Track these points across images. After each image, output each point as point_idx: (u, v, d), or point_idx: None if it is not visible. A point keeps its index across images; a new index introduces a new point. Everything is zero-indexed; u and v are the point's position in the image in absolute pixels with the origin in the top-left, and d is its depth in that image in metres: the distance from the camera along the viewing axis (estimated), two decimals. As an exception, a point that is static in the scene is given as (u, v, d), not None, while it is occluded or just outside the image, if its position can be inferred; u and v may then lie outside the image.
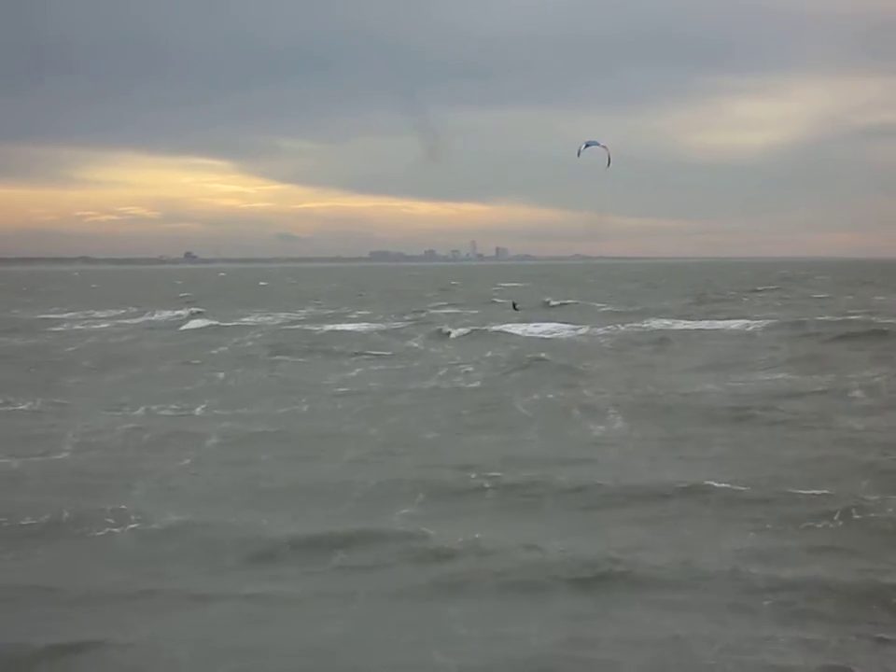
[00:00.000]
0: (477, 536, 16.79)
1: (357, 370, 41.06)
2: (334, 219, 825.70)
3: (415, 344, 51.71)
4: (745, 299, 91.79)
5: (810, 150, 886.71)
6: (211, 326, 64.98)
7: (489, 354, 45.44)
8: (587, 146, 32.68)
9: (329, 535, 17.16)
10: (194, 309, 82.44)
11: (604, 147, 32.81)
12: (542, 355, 42.69)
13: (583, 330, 57.18)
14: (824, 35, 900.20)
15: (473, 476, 21.21)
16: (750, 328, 55.47)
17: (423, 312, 78.03)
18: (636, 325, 59.34)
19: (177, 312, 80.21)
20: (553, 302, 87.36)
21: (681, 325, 59.01)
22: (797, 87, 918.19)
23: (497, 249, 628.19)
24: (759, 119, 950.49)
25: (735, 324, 57.85)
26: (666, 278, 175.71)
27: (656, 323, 60.61)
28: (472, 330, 56.82)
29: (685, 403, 30.57)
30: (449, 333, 55.90)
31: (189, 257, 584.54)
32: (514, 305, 78.44)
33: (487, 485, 20.52)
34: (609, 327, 58.75)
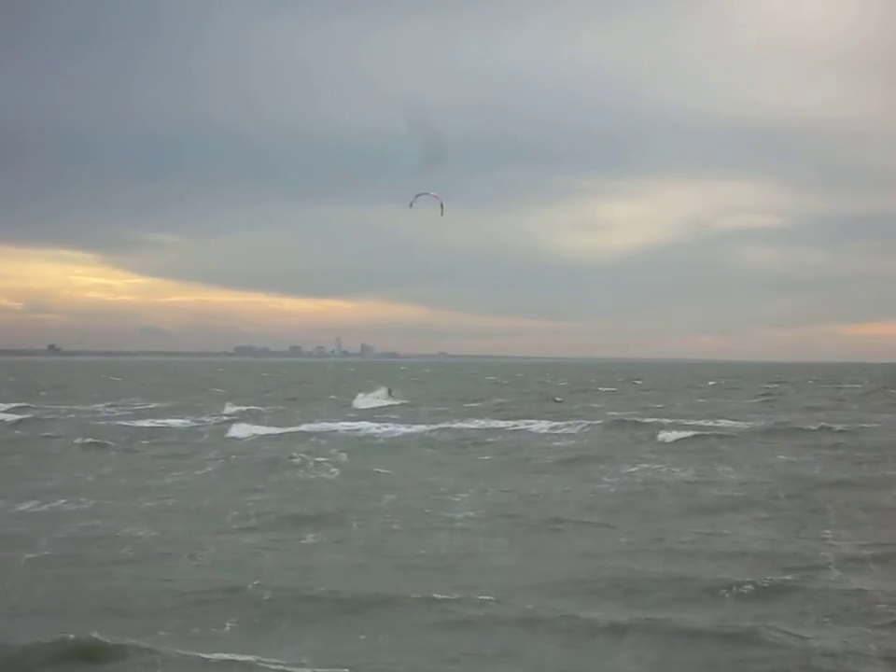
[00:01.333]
0: None
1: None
2: (200, 313, 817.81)
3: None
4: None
5: (679, 253, 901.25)
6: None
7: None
8: (418, 196, 31.05)
9: None
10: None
11: (435, 196, 31.26)
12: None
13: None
14: (695, 139, 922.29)
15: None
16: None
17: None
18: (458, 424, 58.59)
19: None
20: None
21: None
22: (667, 189, 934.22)
23: (363, 346, 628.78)
24: (629, 220, 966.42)
25: (539, 425, 57.15)
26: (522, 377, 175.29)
27: (476, 423, 59.81)
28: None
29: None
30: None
31: (53, 349, 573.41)
32: (390, 392, 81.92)
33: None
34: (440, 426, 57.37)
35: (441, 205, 31.24)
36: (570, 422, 57.70)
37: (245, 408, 72.98)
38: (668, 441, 47.17)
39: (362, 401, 79.27)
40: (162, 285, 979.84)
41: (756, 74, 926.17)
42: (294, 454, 40.58)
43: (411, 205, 30.87)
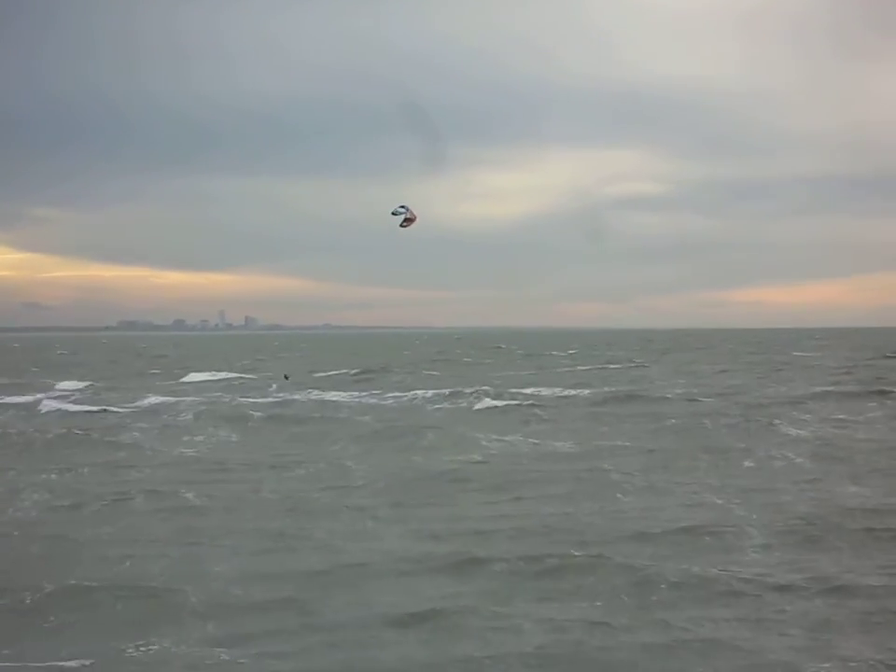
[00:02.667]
0: None
1: None
2: (83, 288, 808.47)
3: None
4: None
5: (563, 221, 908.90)
6: None
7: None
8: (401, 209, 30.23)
9: None
10: None
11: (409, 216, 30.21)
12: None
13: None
14: (580, 108, 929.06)
15: None
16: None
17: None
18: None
19: None
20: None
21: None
22: (551, 159, 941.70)
23: (247, 318, 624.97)
24: (514, 190, 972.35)
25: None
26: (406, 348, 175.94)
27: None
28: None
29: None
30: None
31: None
32: (286, 376, 79.67)
33: None
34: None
35: (407, 219, 30.54)
36: (398, 393, 58.67)
37: (82, 384, 71.34)
38: (481, 408, 48.69)
39: (195, 376, 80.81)
40: (43, 260, 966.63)
41: (641, 44, 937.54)
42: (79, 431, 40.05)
43: (393, 213, 30.37)
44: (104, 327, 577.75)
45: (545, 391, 59.56)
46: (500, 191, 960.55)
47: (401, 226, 30.13)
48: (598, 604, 16.47)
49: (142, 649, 14.74)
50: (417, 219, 30.40)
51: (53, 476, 29.74)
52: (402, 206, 30.35)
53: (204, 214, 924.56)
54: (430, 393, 57.19)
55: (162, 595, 17.02)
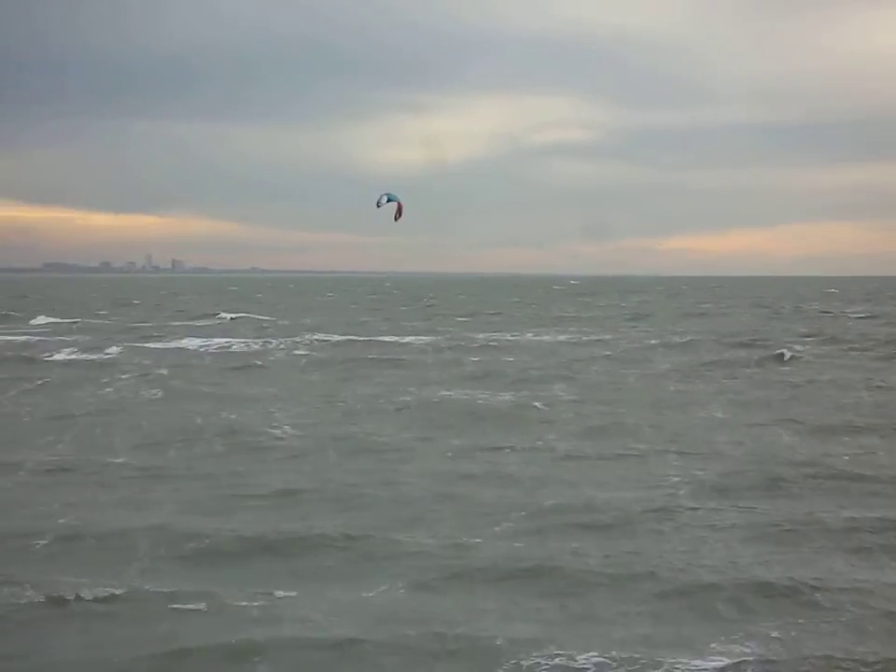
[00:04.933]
0: None
1: None
2: (5, 229, 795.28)
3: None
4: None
5: (490, 167, 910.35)
6: None
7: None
8: (388, 200, 29.28)
9: None
10: None
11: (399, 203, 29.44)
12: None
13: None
14: (509, 52, 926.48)
15: None
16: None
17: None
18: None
19: None
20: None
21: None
22: (478, 105, 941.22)
23: (174, 261, 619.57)
24: (442, 135, 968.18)
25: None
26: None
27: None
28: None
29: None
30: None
31: None
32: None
33: None
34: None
35: (399, 211, 29.84)
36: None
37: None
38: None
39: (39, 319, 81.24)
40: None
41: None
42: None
43: (378, 205, 29.51)
44: (28, 268, 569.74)
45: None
46: (430, 136, 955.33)
47: (396, 219, 29.46)
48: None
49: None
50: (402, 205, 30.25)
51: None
52: (387, 196, 29.46)
53: (131, 156, 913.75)
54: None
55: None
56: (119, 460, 24.44)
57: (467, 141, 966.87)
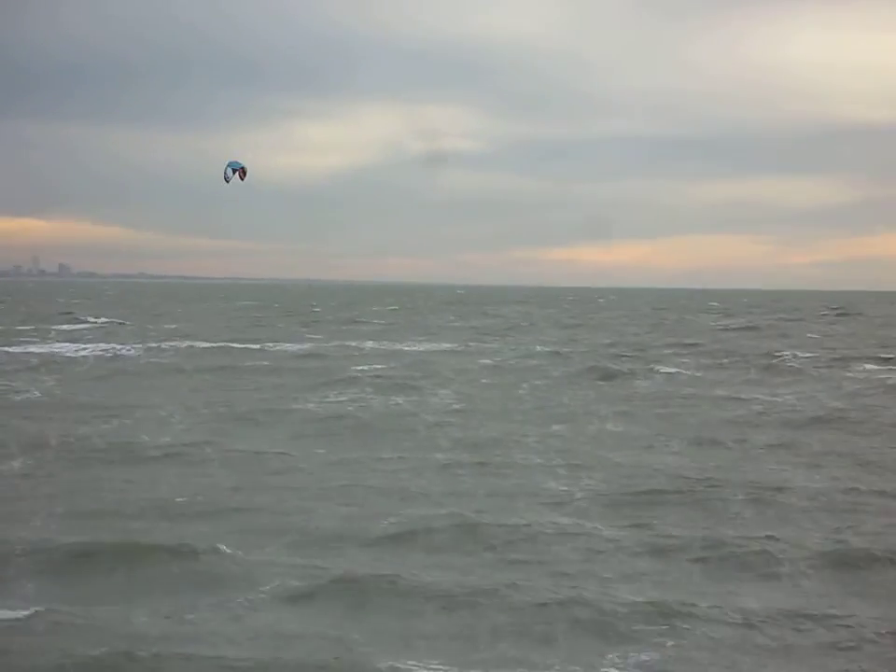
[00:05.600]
0: None
1: None
2: None
3: None
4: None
5: (377, 175, 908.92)
6: None
7: None
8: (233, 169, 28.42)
9: None
10: None
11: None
12: None
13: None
14: (397, 60, 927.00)
15: None
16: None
17: None
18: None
19: None
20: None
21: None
22: (366, 112, 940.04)
23: (60, 266, 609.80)
24: (325, 143, 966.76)
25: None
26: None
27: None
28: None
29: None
30: None
31: None
32: None
33: None
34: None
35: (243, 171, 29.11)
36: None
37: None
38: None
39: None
40: None
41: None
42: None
43: (227, 181, 28.78)
44: None
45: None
46: (317, 144, 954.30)
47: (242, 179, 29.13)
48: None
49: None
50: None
51: None
52: (230, 167, 28.39)
53: (15, 159, 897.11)
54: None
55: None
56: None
57: (355, 148, 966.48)
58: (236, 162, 28.76)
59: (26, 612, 14.26)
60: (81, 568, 16.46)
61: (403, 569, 16.34)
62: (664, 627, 14.18)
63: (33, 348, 57.81)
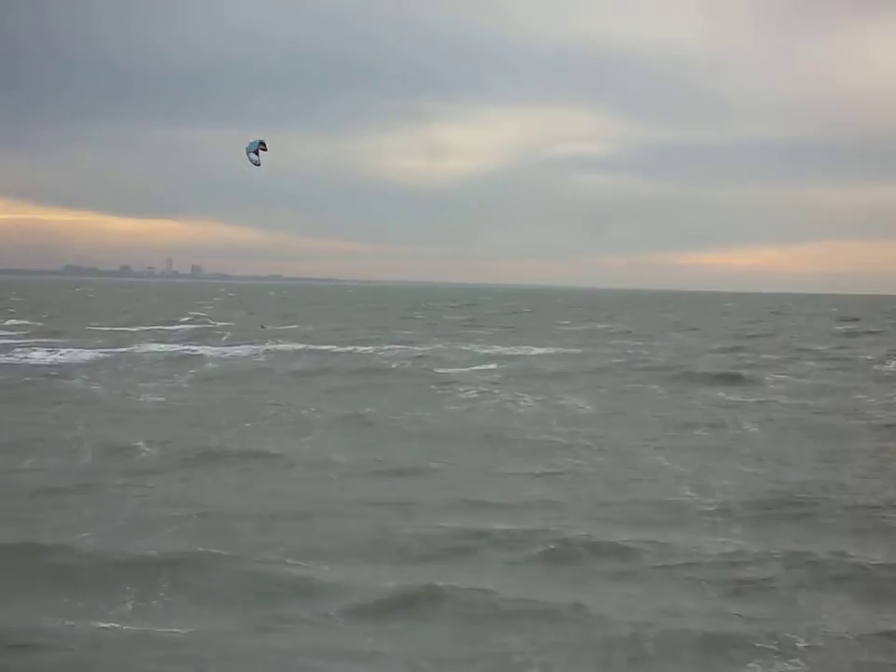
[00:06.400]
0: None
1: None
2: (28, 231, 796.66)
3: None
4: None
5: (510, 179, 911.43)
6: None
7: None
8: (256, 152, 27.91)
9: None
10: None
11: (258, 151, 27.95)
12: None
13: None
14: (532, 65, 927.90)
15: None
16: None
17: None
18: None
19: None
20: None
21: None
22: (499, 116, 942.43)
23: (193, 267, 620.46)
24: (460, 146, 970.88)
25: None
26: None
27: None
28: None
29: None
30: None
31: None
32: (263, 326, 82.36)
33: None
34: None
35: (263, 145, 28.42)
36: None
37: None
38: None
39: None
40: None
41: (601, 3, 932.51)
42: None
43: (258, 164, 28.29)
44: (48, 271, 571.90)
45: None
46: (449, 147, 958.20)
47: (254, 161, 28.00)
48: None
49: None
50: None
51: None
52: (256, 150, 28.19)
53: (153, 160, 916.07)
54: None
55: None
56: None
57: (486, 152, 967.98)
58: (253, 143, 28.17)
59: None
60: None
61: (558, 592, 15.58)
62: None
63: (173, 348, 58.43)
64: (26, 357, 51.96)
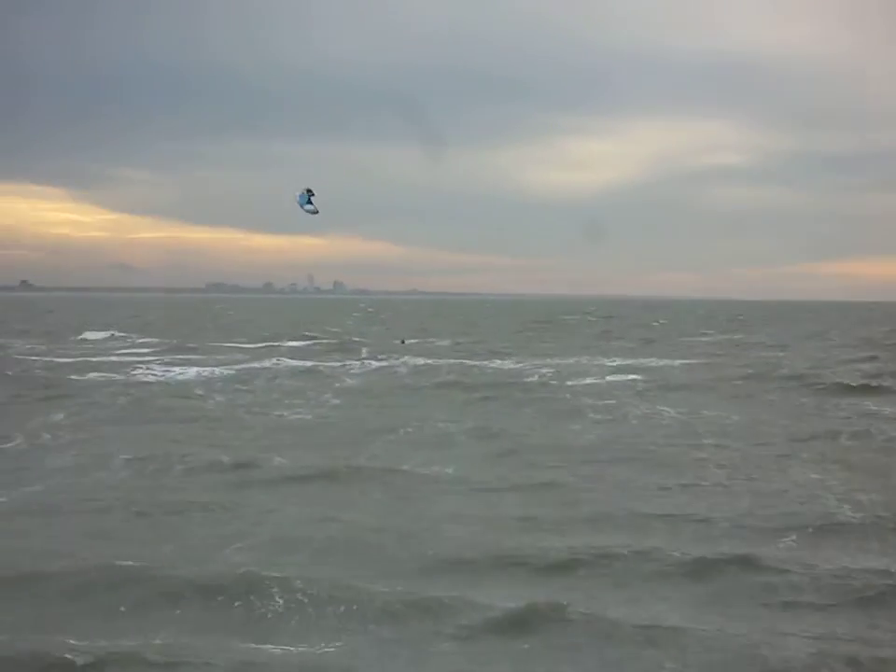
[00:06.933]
0: None
1: None
2: (172, 250, 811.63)
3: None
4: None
5: (649, 190, 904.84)
6: None
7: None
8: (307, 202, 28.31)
9: None
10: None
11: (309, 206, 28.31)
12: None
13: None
14: (667, 76, 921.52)
15: None
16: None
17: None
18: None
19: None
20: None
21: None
22: (635, 128, 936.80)
23: (335, 283, 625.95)
24: (600, 158, 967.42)
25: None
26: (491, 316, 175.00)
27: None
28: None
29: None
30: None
31: (25, 285, 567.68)
32: (402, 341, 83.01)
33: None
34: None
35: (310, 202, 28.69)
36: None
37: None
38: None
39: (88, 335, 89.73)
40: (133, 220, 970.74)
41: (731, 10, 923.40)
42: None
43: (306, 204, 28.57)
44: (192, 288, 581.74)
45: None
46: (585, 159, 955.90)
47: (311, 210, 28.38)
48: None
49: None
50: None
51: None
52: (308, 199, 28.41)
53: (294, 177, 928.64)
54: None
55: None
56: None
57: (623, 163, 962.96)
58: (302, 195, 28.32)
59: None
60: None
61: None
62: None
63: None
64: (168, 372, 53.14)
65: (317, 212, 28.48)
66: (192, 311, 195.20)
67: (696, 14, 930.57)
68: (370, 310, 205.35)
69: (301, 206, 28.46)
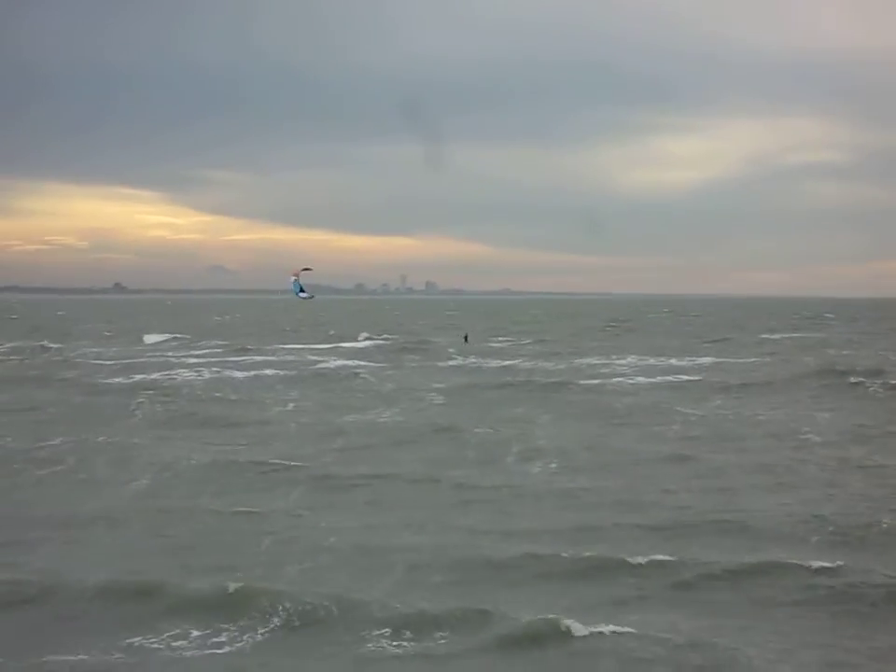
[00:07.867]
0: None
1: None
2: (265, 251, 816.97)
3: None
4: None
5: (744, 188, 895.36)
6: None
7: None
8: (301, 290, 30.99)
9: None
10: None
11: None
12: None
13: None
14: (759, 74, 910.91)
15: None
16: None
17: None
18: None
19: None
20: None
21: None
22: (730, 125, 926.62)
23: (427, 283, 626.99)
24: (692, 156, 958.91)
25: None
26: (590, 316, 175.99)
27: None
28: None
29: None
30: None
31: (119, 287, 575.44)
32: (466, 338, 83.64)
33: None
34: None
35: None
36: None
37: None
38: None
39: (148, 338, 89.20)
40: (226, 222, 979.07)
41: (820, 8, 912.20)
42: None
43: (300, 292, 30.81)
44: (285, 290, 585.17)
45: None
46: (676, 158, 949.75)
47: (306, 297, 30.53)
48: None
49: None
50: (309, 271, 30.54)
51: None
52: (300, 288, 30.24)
53: (386, 178, 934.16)
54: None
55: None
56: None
57: (715, 162, 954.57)
58: (295, 283, 30.76)
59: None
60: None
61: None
62: None
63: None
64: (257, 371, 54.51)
65: (313, 297, 31.78)
66: (282, 312, 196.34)
67: (787, 13, 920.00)
68: (448, 313, 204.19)
69: (296, 294, 30.97)
